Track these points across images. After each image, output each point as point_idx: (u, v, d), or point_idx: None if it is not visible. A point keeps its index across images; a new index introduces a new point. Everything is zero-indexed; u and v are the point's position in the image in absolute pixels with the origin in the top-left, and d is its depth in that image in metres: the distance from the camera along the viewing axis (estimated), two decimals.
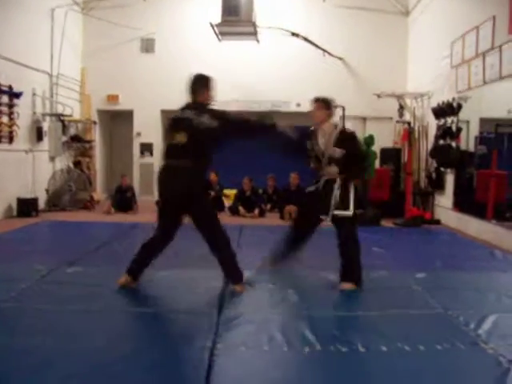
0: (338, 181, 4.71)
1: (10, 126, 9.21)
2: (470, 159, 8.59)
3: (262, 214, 9.89)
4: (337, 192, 4.69)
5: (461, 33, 8.65)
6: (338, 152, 4.72)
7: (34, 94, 10.14)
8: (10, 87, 9.10)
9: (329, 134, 4.80)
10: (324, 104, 4.93)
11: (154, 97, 12.25)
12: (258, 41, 10.97)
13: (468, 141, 8.77)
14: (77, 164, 11.56)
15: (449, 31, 9.27)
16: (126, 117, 12.87)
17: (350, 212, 4.68)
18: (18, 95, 9.32)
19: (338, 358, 3.10)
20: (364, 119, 12.31)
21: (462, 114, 8.59)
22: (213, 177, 10.47)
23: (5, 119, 9.08)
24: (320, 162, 4.84)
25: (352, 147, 4.81)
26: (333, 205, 4.67)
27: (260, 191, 10.27)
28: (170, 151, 4.39)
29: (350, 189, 4.73)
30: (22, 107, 9.58)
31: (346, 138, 4.81)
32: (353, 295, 4.45)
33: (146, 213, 10.12)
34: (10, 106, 9.19)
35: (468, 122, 8.72)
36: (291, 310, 4.02)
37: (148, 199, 11.87)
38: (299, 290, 4.52)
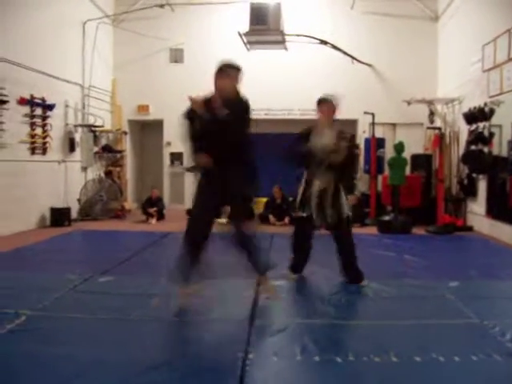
0: (332, 189, 4.74)
1: (44, 138, 9.41)
2: (503, 164, 8.42)
3: (291, 222, 9.82)
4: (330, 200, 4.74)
5: (492, 36, 8.52)
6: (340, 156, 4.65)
7: (66, 106, 10.34)
8: (43, 99, 9.30)
9: (331, 136, 4.75)
10: (333, 106, 4.84)
11: (183, 106, 12.22)
12: (286, 49, 10.98)
13: (501, 146, 8.60)
14: (108, 174, 11.71)
15: (479, 35, 9.13)
16: (156, 127, 13.01)
17: (346, 213, 4.75)
18: (51, 107, 9.52)
19: (371, 368, 3.06)
20: (394, 125, 12.21)
21: (495, 119, 8.44)
22: None
23: (38, 131, 9.28)
24: (319, 166, 4.76)
25: (351, 154, 4.82)
26: (329, 214, 4.73)
27: (290, 199, 10.22)
28: None
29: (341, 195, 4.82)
30: (55, 119, 9.79)
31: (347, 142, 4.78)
32: (384, 304, 4.40)
33: (177, 222, 10.21)
34: (44, 117, 9.39)
35: (501, 127, 8.55)
36: (323, 319, 3.98)
37: (178, 208, 11.97)
38: (330, 299, 4.49)
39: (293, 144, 4.95)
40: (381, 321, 3.92)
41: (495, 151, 8.59)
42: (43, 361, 3.11)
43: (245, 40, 10.32)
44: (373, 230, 9.03)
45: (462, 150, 9.60)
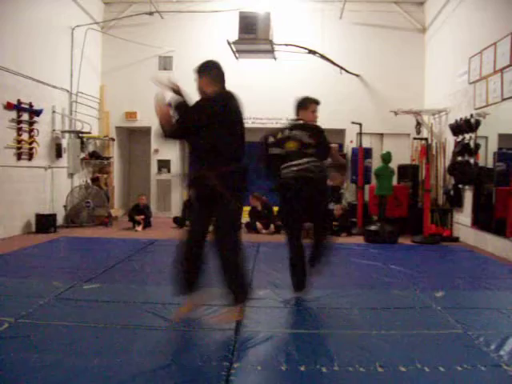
0: None
1: (30, 143, 9.34)
2: (489, 176, 8.50)
3: (278, 230, 9.81)
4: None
5: (478, 49, 8.62)
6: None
7: (53, 112, 10.28)
8: (31, 105, 9.25)
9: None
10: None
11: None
12: (275, 58, 11.02)
13: (486, 157, 8.69)
14: (95, 180, 11.65)
15: (466, 48, 9.24)
16: (143, 134, 12.98)
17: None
18: (38, 113, 9.47)
19: (356, 378, 3.05)
20: (381, 136, 12.29)
21: (481, 130, 8.53)
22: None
23: (25, 136, 9.21)
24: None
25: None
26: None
27: (275, 208, 10.26)
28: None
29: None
30: (42, 124, 9.73)
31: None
32: (371, 314, 4.40)
33: (163, 229, 10.19)
34: (30, 123, 9.33)
35: (486, 138, 8.65)
36: (308, 329, 3.97)
37: (165, 215, 11.97)
38: (317, 309, 4.49)
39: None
40: (366, 331, 3.91)
41: (481, 162, 8.67)
42: (29, 368, 3.08)
43: (234, 49, 10.33)
44: (359, 240, 9.06)
45: (448, 161, 9.67)
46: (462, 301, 4.91)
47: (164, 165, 12.80)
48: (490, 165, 8.57)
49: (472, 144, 8.71)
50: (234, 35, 9.88)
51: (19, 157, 9.07)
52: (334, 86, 11.98)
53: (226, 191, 3.82)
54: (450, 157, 9.48)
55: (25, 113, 9.17)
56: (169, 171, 12.78)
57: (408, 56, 12.13)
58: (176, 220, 10.72)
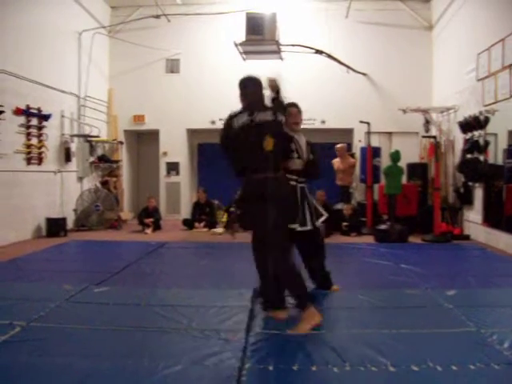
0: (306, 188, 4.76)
1: (39, 148, 9.39)
2: (499, 173, 8.45)
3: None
4: (311, 200, 4.76)
5: (486, 46, 8.57)
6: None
7: (62, 116, 10.34)
8: (39, 109, 9.30)
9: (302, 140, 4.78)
10: (300, 110, 4.88)
11: (179, 116, 12.39)
12: (281, 59, 11.00)
13: (496, 154, 8.64)
14: (104, 184, 11.68)
15: (474, 44, 9.19)
16: (152, 137, 13.02)
17: (325, 215, 4.81)
18: (46, 117, 9.52)
19: (368, 377, 3.03)
20: (390, 134, 12.24)
21: (490, 127, 8.48)
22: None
23: (34, 141, 9.26)
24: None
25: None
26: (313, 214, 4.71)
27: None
28: (259, 161, 3.89)
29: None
30: (51, 129, 9.78)
31: (313, 147, 4.88)
32: (382, 313, 4.37)
33: (173, 232, 10.20)
34: (39, 127, 9.39)
35: (496, 135, 8.59)
36: (320, 329, 3.95)
37: (174, 218, 11.99)
38: (328, 308, 4.47)
39: None
40: (378, 330, 3.88)
41: (491, 160, 8.62)
42: (41, 372, 3.08)
43: (241, 50, 10.32)
44: (369, 239, 9.02)
45: (457, 159, 9.62)
46: (474, 299, 4.88)
47: (173, 167, 12.83)
48: (499, 162, 8.52)
49: (481, 141, 8.66)
50: (241, 36, 9.88)
51: (29, 161, 9.12)
52: (341, 86, 11.96)
53: None
54: (460, 154, 9.43)
55: (34, 118, 9.22)
56: (177, 173, 12.81)
57: (415, 54, 12.09)
58: (185, 222, 10.75)
